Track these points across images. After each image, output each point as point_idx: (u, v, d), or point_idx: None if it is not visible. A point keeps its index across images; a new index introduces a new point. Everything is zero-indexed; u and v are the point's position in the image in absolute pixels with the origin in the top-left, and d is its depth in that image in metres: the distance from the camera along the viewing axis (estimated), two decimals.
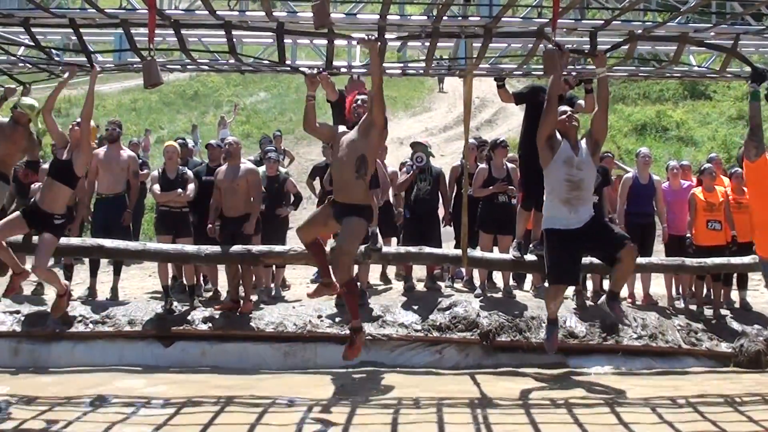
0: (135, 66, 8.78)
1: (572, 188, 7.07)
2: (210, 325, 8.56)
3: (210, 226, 9.17)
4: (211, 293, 9.74)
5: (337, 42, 7.44)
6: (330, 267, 7.21)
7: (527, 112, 8.53)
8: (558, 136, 7.19)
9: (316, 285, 7.87)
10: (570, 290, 9.48)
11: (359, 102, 7.18)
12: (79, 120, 7.81)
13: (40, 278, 8.05)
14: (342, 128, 7.09)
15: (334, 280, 7.16)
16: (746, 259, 8.87)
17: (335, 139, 7.01)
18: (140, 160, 12.53)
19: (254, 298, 9.15)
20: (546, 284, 8.25)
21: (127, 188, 9.72)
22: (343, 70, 9.05)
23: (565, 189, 7.06)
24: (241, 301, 8.84)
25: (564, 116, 7.27)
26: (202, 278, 10.18)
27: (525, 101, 8.60)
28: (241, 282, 8.98)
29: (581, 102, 8.48)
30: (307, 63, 8.91)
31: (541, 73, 8.55)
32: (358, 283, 7.22)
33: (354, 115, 7.15)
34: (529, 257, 8.68)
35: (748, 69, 7.37)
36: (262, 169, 9.92)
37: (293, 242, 9.47)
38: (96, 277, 9.57)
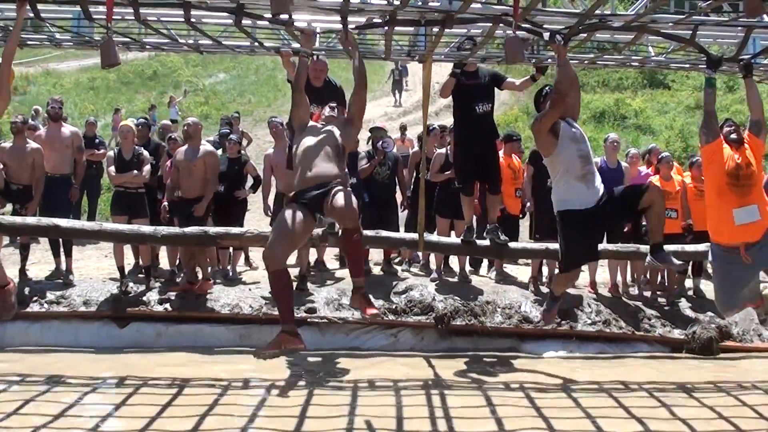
0: (92, 41, 8.64)
1: (585, 163, 6.61)
2: (166, 306, 8.54)
3: (164, 204, 9.23)
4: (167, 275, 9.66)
5: (301, 25, 7.35)
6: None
7: (455, 99, 8.50)
8: None
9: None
10: (525, 276, 9.56)
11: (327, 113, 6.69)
12: None
13: None
14: (312, 123, 6.57)
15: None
16: (700, 247, 8.90)
17: (303, 123, 6.51)
18: (97, 140, 12.45)
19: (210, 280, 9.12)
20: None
21: (74, 165, 9.71)
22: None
23: (579, 165, 6.60)
24: (199, 281, 8.84)
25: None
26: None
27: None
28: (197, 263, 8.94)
29: (513, 80, 8.62)
30: (270, 45, 8.81)
31: (500, 58, 8.56)
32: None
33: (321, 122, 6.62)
34: (482, 242, 8.69)
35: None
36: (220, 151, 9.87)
37: (250, 225, 9.54)
38: (60, 257, 9.39)
